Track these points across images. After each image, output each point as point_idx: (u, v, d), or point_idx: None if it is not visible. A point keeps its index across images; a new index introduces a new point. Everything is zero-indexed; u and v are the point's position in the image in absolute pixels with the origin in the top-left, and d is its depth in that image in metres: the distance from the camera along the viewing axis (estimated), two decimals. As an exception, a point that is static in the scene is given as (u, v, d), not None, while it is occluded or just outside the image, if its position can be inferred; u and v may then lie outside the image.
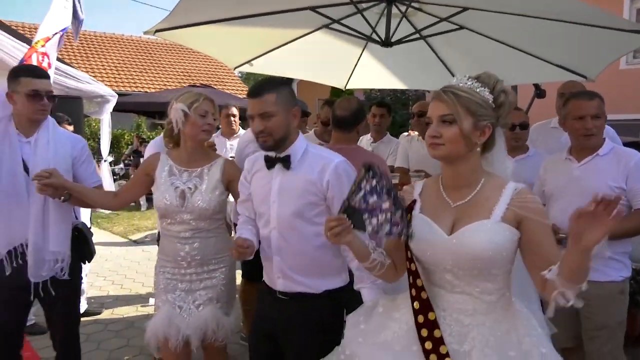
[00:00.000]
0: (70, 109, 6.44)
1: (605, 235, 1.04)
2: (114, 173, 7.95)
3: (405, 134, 4.08)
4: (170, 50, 17.36)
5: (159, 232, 2.96)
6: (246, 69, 3.90)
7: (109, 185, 7.00)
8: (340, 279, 1.87)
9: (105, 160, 7.06)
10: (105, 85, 7.70)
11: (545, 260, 1.23)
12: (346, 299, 1.87)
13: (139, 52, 16.61)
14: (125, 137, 13.96)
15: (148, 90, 13.63)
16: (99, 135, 7.38)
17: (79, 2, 3.02)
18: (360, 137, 4.20)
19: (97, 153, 10.25)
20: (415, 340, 1.33)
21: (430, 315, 1.33)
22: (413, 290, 1.39)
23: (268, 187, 1.83)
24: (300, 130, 1.92)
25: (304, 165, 1.80)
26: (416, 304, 1.36)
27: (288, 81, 14.58)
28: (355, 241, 1.43)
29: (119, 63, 15.37)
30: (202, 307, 2.10)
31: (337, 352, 1.52)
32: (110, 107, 7.11)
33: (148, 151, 2.97)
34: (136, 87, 14.21)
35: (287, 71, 4.70)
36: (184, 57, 17.20)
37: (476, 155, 1.37)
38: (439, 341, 1.29)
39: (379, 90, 11.82)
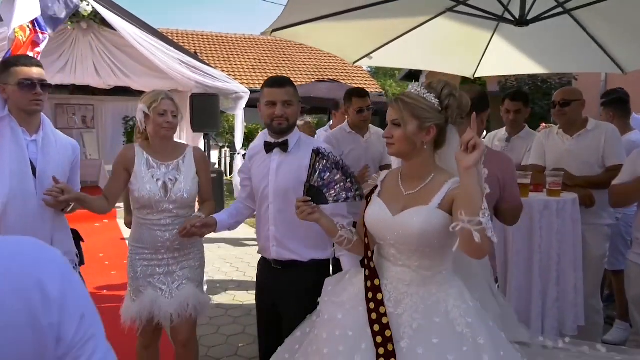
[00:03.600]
0: (207, 105, 6.98)
1: (478, 156, 1.34)
2: (246, 165, 8.41)
3: (544, 126, 3.58)
4: (301, 47, 18.00)
5: None
6: (368, 62, 3.77)
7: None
8: (326, 252, 2.16)
9: (238, 153, 7.54)
10: (242, 83, 8.24)
11: None
12: (329, 269, 2.21)
13: (273, 51, 17.52)
14: (259, 131, 14.87)
15: (280, 87, 14.27)
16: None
17: None
18: (494, 132, 3.80)
19: (232, 146, 11.05)
20: (362, 301, 1.58)
21: (376, 282, 1.59)
22: (366, 260, 1.68)
23: (267, 168, 2.16)
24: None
25: (298, 150, 2.14)
26: (367, 272, 1.63)
27: (417, 72, 14.01)
28: (322, 219, 1.77)
29: (255, 62, 16.39)
30: (182, 286, 2.28)
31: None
32: (243, 103, 7.56)
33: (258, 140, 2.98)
34: (270, 84, 15.00)
35: (408, 62, 4.48)
36: (314, 53, 17.69)
37: (426, 152, 1.61)
38: (380, 303, 1.55)
39: (515, 78, 10.75)
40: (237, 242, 6.55)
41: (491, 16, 2.76)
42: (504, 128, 3.66)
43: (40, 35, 2.25)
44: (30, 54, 3.46)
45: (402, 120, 1.57)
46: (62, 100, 10.71)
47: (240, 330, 3.63)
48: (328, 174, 1.73)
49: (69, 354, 0.76)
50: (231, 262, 5.62)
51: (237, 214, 2.35)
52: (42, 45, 2.84)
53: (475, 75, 4.05)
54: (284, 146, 2.14)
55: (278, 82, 2.15)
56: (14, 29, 2.10)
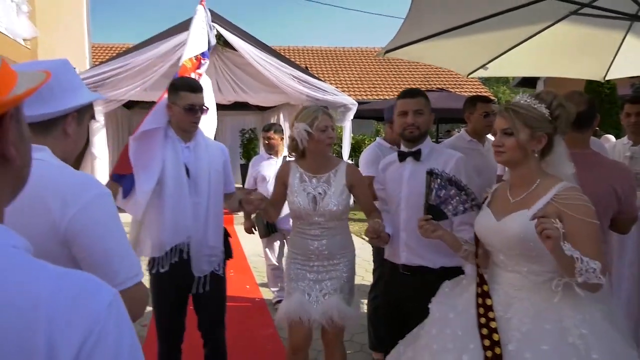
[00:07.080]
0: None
1: (552, 244, 1.39)
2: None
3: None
4: (409, 57, 17.87)
5: None
6: (483, 73, 3.66)
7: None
8: (456, 259, 2.11)
9: (345, 163, 7.72)
10: (350, 95, 8.45)
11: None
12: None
13: (380, 62, 17.61)
14: (366, 142, 15.00)
15: (387, 97, 14.32)
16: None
17: (210, 29, 2.96)
18: (614, 142, 3.47)
19: (339, 157, 11.31)
20: (474, 305, 1.66)
21: (485, 287, 1.69)
22: (477, 267, 1.78)
23: (400, 176, 2.26)
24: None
25: (431, 158, 2.21)
26: (477, 278, 1.74)
27: (533, 78, 13.10)
28: (446, 235, 1.85)
29: (362, 74, 16.62)
30: (328, 296, 2.33)
31: None
32: (351, 115, 7.75)
33: (365, 157, 3.09)
34: (377, 94, 15.11)
35: (526, 70, 4.27)
36: (421, 63, 17.44)
37: (533, 160, 1.67)
38: (489, 308, 1.62)
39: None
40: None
41: (624, 16, 2.54)
42: (626, 136, 3.33)
43: (202, 61, 2.60)
44: (193, 75, 3.92)
45: (515, 128, 1.63)
46: (189, 115, 11.85)
47: (347, 338, 3.60)
48: (444, 191, 1.83)
49: None
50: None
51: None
52: (203, 69, 3.20)
53: (606, 78, 3.73)
54: (417, 155, 2.22)
55: (410, 93, 2.27)
56: (184, 61, 2.43)
